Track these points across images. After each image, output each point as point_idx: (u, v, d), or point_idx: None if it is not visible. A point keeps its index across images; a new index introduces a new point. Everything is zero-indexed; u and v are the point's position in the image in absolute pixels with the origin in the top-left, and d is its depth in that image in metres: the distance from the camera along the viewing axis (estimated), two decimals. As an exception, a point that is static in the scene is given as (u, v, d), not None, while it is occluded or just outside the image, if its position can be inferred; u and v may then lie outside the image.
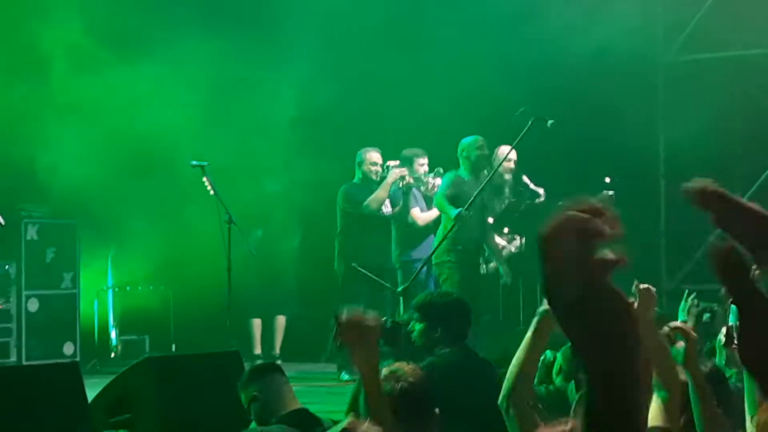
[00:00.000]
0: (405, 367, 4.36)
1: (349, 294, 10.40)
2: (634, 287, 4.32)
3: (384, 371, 4.32)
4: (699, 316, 7.40)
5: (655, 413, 4.28)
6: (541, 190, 11.28)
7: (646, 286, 4.38)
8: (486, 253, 11.05)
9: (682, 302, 7.62)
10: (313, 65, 11.67)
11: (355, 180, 10.93)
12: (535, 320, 4.20)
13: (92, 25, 11.25)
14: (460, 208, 9.81)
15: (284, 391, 5.50)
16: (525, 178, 11.34)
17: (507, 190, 11.43)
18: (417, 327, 6.03)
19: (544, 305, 4.18)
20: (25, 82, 11.07)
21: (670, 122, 12.27)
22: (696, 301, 7.45)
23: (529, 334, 4.21)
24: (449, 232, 9.81)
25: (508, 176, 11.33)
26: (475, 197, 9.81)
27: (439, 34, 11.96)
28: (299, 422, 5.16)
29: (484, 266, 11.18)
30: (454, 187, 10.17)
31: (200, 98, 11.42)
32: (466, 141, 10.39)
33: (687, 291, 7.72)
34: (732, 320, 4.68)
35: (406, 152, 11.05)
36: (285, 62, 11.70)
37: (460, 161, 10.37)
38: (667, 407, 4.25)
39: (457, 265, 10.13)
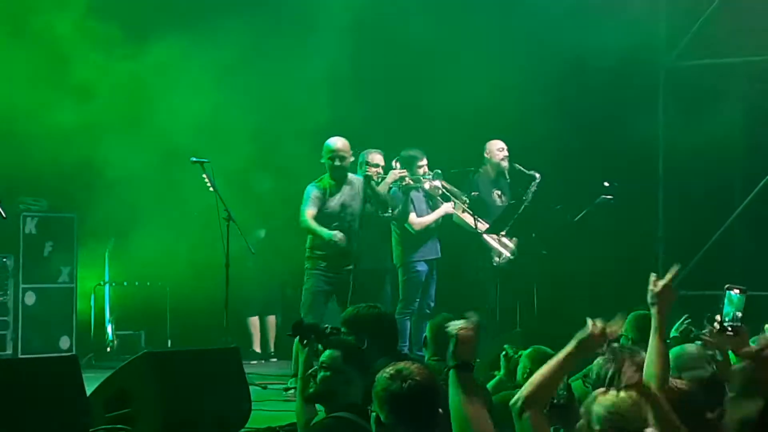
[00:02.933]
0: (411, 366, 4.33)
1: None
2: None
3: (389, 370, 4.30)
4: (691, 341, 7.50)
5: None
6: (536, 174, 11.32)
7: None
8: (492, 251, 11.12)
9: (678, 323, 7.75)
10: (333, 67, 11.65)
11: None
12: (575, 341, 4.15)
13: (102, 7, 11.21)
14: (332, 233, 9.89)
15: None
16: (518, 166, 11.40)
17: (505, 181, 11.47)
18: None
19: (586, 330, 4.14)
20: (26, 67, 11.03)
21: (671, 127, 12.27)
22: (692, 329, 7.59)
23: (567, 351, 4.15)
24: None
25: (504, 164, 11.39)
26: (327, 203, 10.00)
27: (445, 37, 11.94)
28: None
29: (497, 259, 11.19)
30: (314, 203, 10.08)
31: (208, 95, 11.41)
32: (329, 146, 10.11)
33: (686, 315, 7.83)
34: (726, 309, 4.69)
35: (405, 153, 11.07)
36: (305, 62, 11.68)
37: (325, 165, 10.20)
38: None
39: (314, 273, 10.10)
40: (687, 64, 12.29)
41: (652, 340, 4.48)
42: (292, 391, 8.76)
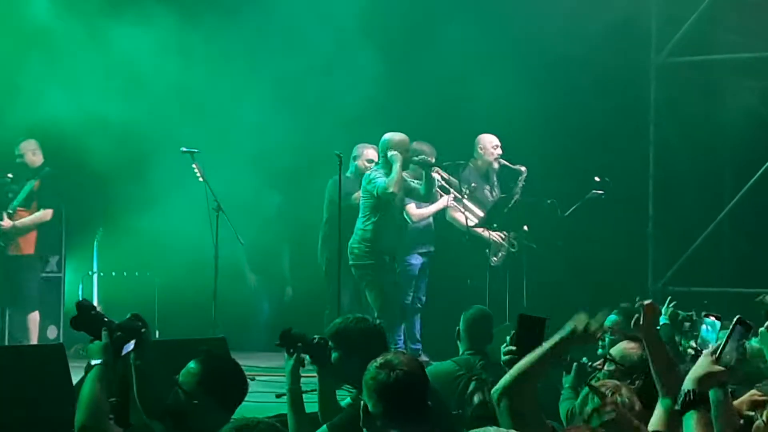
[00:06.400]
0: (401, 356, 4.33)
1: (333, 285, 10.36)
2: (637, 304, 4.37)
3: (380, 359, 4.29)
4: (679, 323, 7.55)
5: (658, 419, 4.30)
6: (522, 168, 11.31)
7: (649, 301, 4.41)
8: (491, 245, 11.10)
9: (664, 307, 7.78)
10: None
11: (347, 173, 10.88)
12: (558, 337, 4.10)
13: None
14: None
15: None
16: (503, 161, 11.37)
17: (494, 179, 11.46)
18: (333, 356, 5.64)
19: (572, 326, 4.05)
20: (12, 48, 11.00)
21: (661, 123, 12.28)
22: (678, 312, 7.62)
23: (550, 345, 4.09)
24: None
25: (496, 165, 11.37)
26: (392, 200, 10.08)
27: (440, 32, 11.92)
28: None
29: (494, 258, 11.19)
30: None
31: (197, 83, 11.39)
32: (395, 138, 10.21)
33: (669, 297, 7.86)
34: (704, 335, 4.64)
35: (415, 145, 11.07)
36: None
37: (380, 159, 10.27)
38: (669, 415, 4.27)
39: (375, 266, 10.13)
40: (678, 61, 12.30)
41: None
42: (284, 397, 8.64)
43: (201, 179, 10.10)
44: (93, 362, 4.65)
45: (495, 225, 11.05)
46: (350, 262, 10.24)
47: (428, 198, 10.62)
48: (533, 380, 4.03)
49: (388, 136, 10.22)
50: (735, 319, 3.86)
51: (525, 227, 11.28)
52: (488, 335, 7.45)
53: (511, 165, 11.36)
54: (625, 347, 5.40)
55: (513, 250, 11.26)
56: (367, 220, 10.21)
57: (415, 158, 10.34)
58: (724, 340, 3.81)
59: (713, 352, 3.84)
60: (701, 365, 3.84)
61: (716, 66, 12.12)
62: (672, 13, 12.26)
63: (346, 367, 5.56)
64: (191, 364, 4.95)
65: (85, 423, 4.41)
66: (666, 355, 4.39)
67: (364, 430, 4.26)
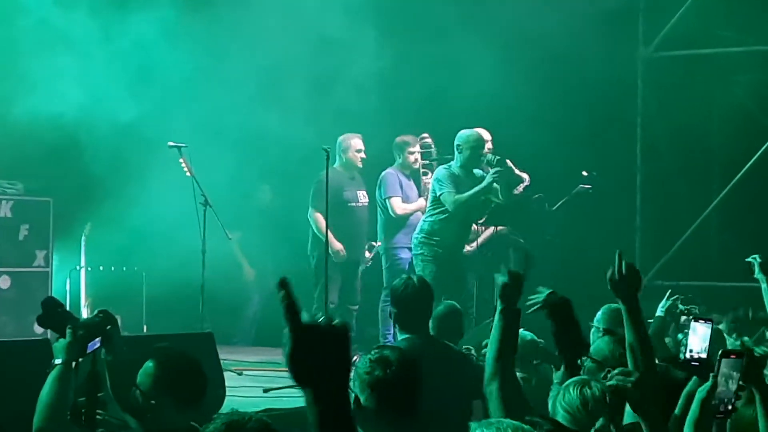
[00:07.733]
0: (396, 352, 4.32)
1: (323, 279, 10.36)
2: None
3: (374, 353, 4.29)
4: (677, 316, 7.54)
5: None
6: (525, 176, 11.22)
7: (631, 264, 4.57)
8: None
9: (663, 300, 7.74)
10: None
11: (334, 165, 10.85)
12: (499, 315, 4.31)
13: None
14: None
15: None
16: (509, 163, 11.25)
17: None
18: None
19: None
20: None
21: (649, 118, 12.30)
22: (678, 304, 7.59)
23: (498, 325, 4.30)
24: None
25: (489, 156, 11.33)
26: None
27: (432, 26, 11.91)
28: None
29: (467, 248, 11.19)
30: (453, 184, 10.25)
31: (186, 75, 11.36)
32: (464, 135, 10.33)
33: (670, 291, 7.84)
34: (684, 339, 4.63)
35: (399, 139, 11.06)
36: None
37: (455, 153, 10.32)
38: None
39: (430, 259, 10.17)
40: (665, 55, 12.31)
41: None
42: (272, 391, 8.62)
43: (188, 174, 10.07)
44: (55, 361, 4.56)
45: (480, 221, 11.03)
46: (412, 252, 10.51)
47: (507, 200, 10.55)
48: (508, 358, 4.32)
49: (462, 132, 10.35)
50: (719, 353, 3.67)
51: (507, 227, 11.26)
52: (458, 331, 7.49)
53: (515, 169, 11.19)
54: (604, 342, 5.41)
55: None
56: (428, 213, 10.36)
57: (485, 158, 10.39)
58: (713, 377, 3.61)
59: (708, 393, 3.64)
60: (692, 411, 3.67)
61: (704, 60, 12.13)
62: (659, 7, 12.28)
63: (400, 319, 6.19)
64: (148, 364, 4.90)
65: (42, 426, 4.35)
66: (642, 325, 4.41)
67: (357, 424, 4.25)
